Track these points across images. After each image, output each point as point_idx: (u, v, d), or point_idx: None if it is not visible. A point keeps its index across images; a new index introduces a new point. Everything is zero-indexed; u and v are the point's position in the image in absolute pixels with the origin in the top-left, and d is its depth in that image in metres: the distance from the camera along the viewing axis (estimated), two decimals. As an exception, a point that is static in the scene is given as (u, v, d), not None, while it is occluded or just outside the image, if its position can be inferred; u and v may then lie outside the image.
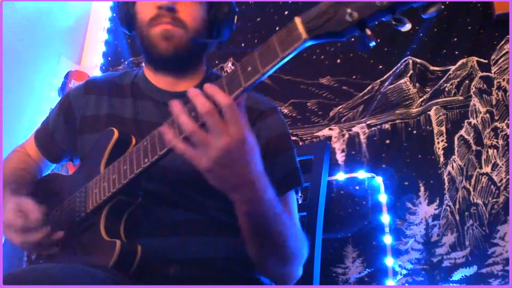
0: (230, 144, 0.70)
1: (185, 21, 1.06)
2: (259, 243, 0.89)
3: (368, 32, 0.63)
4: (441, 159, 1.71)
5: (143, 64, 1.21)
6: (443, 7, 0.61)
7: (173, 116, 0.75)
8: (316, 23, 0.65)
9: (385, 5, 0.60)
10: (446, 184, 1.68)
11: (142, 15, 1.09)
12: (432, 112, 1.77)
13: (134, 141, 0.99)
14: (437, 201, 1.68)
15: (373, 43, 0.64)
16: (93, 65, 2.49)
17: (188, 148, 0.72)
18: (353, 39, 0.68)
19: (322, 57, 1.99)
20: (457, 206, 1.65)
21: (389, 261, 1.68)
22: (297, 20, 0.67)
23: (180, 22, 1.05)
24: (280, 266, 0.94)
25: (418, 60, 1.83)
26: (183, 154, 0.73)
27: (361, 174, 1.81)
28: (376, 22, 0.64)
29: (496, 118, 1.67)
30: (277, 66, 0.70)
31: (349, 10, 0.63)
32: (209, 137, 0.71)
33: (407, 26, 0.62)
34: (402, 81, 1.84)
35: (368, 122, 1.85)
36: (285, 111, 1.99)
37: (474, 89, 1.73)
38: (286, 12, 2.13)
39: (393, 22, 0.62)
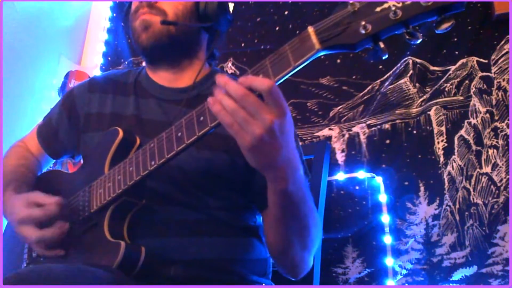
0: (276, 121, 0.68)
1: (164, 9, 1.05)
2: (287, 223, 0.88)
3: (382, 45, 0.64)
4: (441, 159, 1.71)
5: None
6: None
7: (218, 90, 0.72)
8: (330, 34, 0.65)
9: (399, 19, 0.61)
10: (446, 184, 1.68)
11: (130, 13, 1.10)
12: (432, 112, 1.77)
13: (138, 141, 1.00)
14: (437, 201, 1.68)
15: (385, 56, 0.64)
16: (93, 65, 2.49)
17: (235, 122, 0.70)
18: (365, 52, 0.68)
19: (322, 57, 1.98)
20: (457, 206, 1.65)
21: (389, 261, 1.68)
22: (310, 30, 0.67)
23: (158, 10, 1.05)
24: (301, 251, 0.93)
25: (418, 60, 1.83)
26: (228, 127, 0.70)
27: (361, 174, 1.81)
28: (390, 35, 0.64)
29: (496, 118, 1.67)
30: (288, 75, 0.69)
31: (363, 23, 0.63)
32: (251, 116, 0.68)
33: (420, 40, 0.63)
34: (402, 81, 1.84)
35: (368, 122, 1.85)
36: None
37: (474, 89, 1.73)
38: (286, 12, 2.12)
39: (407, 36, 0.63)
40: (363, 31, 0.63)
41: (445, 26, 0.60)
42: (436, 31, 0.61)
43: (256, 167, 0.75)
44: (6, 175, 1.12)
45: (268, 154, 0.71)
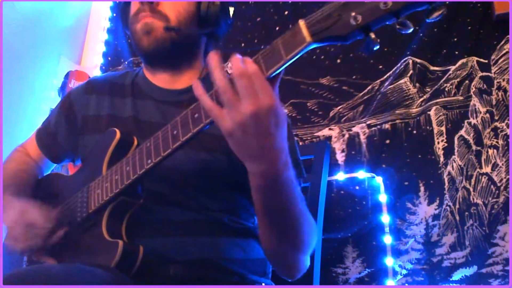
0: (257, 111, 0.67)
1: (166, 13, 1.05)
2: (272, 224, 0.86)
3: (372, 36, 0.64)
4: (441, 159, 1.71)
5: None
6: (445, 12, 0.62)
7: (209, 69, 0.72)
8: (320, 27, 0.65)
9: (390, 9, 0.61)
10: (446, 184, 1.68)
11: (130, 14, 1.10)
12: (432, 112, 1.77)
13: (136, 141, 1.00)
14: (437, 201, 1.68)
15: (377, 47, 0.64)
16: (93, 65, 2.49)
17: (215, 106, 0.70)
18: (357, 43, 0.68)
19: (322, 57, 1.99)
20: (457, 206, 1.65)
21: (389, 261, 1.68)
22: (301, 23, 0.67)
23: (160, 14, 1.04)
24: (293, 252, 0.92)
25: (418, 60, 1.83)
26: (208, 111, 0.71)
27: (361, 174, 1.81)
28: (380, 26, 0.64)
29: (496, 118, 1.67)
30: (281, 69, 0.70)
31: (353, 14, 0.63)
32: (238, 99, 0.68)
33: (411, 30, 0.63)
34: (402, 81, 1.84)
35: (368, 122, 1.85)
36: (285, 111, 1.99)
37: (474, 89, 1.73)
38: (286, 12, 2.12)
39: (397, 26, 0.63)
40: (353, 23, 0.63)
41: (436, 14, 0.60)
42: (427, 20, 0.61)
43: (235, 153, 0.74)
44: (5, 179, 1.12)
45: (248, 143, 0.70)
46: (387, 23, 0.63)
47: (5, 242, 0.99)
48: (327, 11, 0.65)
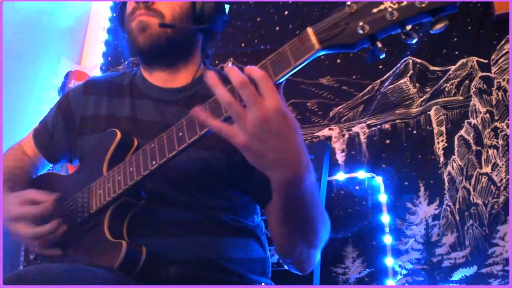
0: (266, 116, 0.67)
1: (161, 10, 1.05)
2: (292, 226, 0.86)
3: (379, 44, 0.65)
4: (441, 159, 1.71)
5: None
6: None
7: (210, 86, 0.72)
8: (328, 34, 0.67)
9: (395, 19, 0.63)
10: (446, 184, 1.69)
11: (126, 13, 1.10)
12: (432, 112, 1.77)
13: (136, 142, 1.00)
14: (437, 201, 1.68)
15: (383, 55, 0.65)
16: (93, 65, 2.49)
17: (224, 124, 0.70)
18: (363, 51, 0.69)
19: (322, 57, 1.98)
20: (457, 206, 1.65)
21: (389, 261, 1.68)
22: (310, 31, 0.68)
23: (155, 12, 1.05)
24: (307, 249, 0.92)
25: (418, 60, 1.83)
26: (219, 132, 0.71)
27: (361, 174, 1.81)
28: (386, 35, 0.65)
29: (496, 118, 1.67)
30: (288, 75, 0.70)
31: (361, 23, 0.65)
32: (245, 110, 0.68)
33: (416, 40, 0.65)
34: (402, 81, 1.84)
35: (368, 122, 1.86)
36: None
37: (474, 89, 1.73)
38: (286, 12, 2.13)
39: (403, 36, 0.65)
40: (361, 31, 0.65)
41: (439, 26, 0.63)
42: (431, 31, 0.64)
43: (256, 166, 0.74)
44: (3, 176, 1.12)
45: (265, 152, 0.70)
46: (393, 32, 0.66)
47: (13, 231, 0.99)
48: (335, 20, 0.67)
